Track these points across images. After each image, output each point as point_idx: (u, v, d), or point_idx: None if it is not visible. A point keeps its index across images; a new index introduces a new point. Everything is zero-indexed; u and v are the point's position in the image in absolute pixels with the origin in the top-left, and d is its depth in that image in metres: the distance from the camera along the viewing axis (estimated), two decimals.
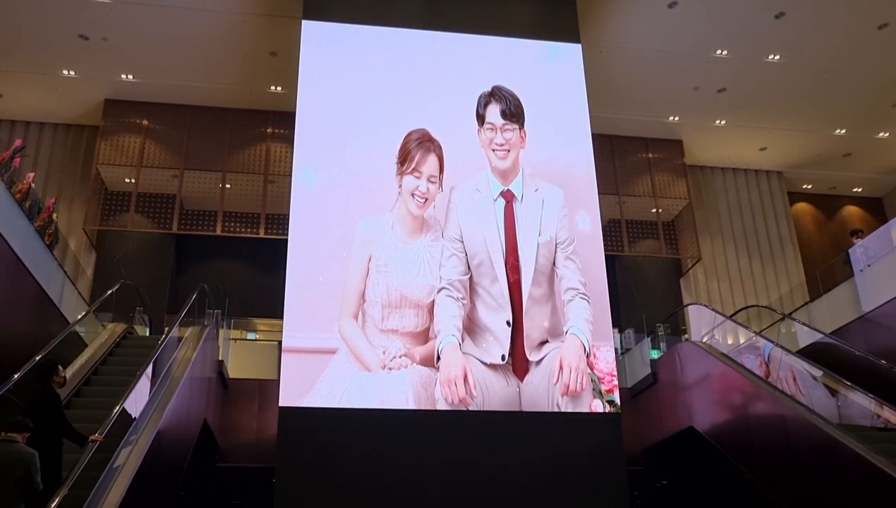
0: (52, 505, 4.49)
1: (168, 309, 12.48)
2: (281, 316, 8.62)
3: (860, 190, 16.53)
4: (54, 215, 9.71)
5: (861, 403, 7.48)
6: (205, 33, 11.63)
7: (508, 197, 8.48)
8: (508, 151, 8.37)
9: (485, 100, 8.54)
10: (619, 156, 14.41)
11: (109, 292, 9.86)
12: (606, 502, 8.28)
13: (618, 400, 8.71)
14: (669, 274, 14.77)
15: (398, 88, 9.73)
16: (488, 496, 8.06)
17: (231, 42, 11.84)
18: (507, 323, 8.03)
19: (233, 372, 10.64)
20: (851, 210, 16.61)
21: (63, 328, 8.43)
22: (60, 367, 5.74)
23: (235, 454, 10.10)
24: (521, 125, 8.47)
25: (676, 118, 14.00)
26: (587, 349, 8.04)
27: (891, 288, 8.99)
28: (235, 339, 11.87)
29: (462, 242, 8.19)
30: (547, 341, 8.14)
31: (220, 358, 10.21)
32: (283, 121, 13.21)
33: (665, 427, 10.40)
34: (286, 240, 8.93)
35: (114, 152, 13.02)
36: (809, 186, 16.33)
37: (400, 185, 8.31)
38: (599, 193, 9.99)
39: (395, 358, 8.01)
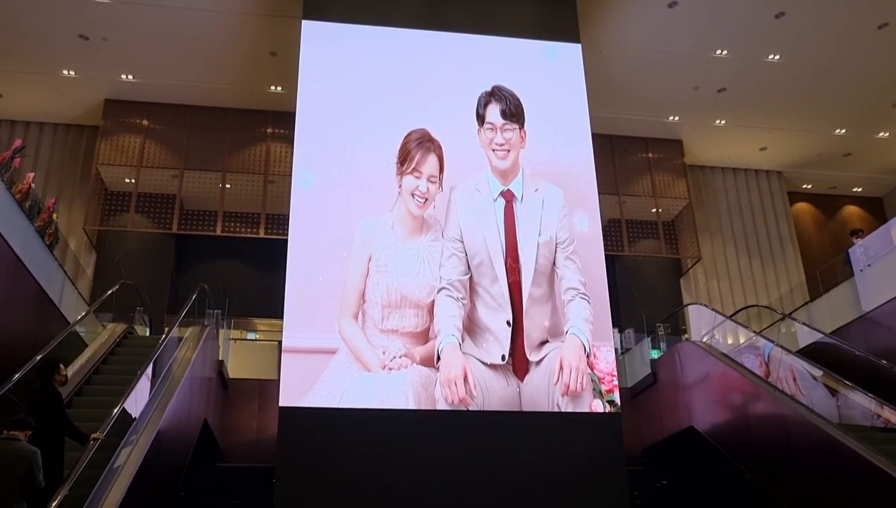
0: (54, 504, 4.51)
1: (168, 309, 12.48)
2: (281, 316, 8.62)
3: (860, 190, 16.53)
4: (54, 215, 9.71)
5: (861, 403, 7.48)
6: (205, 33, 11.63)
7: (508, 197, 8.48)
8: (508, 151, 8.37)
9: (485, 100, 8.54)
10: (619, 156, 14.41)
11: (109, 292, 9.86)
12: (606, 502, 8.28)
13: (618, 400, 8.71)
14: (669, 274, 14.77)
15: (398, 88, 9.73)
16: (488, 496, 8.06)
17: (231, 42, 11.84)
18: (507, 323, 8.03)
19: (233, 372, 10.64)
20: (851, 210, 16.61)
21: (63, 328, 8.42)
22: (62, 366, 5.75)
23: (235, 454, 10.10)
24: (521, 125, 8.48)
25: (676, 118, 14.00)
26: (587, 349, 8.04)
27: (891, 288, 8.99)
28: (235, 339, 11.87)
29: (462, 242, 8.20)
30: (547, 341, 8.14)
31: (220, 358, 10.21)
32: (283, 121, 13.21)
33: (665, 427, 10.40)
34: (286, 240, 8.94)
35: (114, 152, 13.02)
36: (809, 186, 16.33)
37: (400, 185, 8.31)
38: (599, 193, 9.99)
39: (395, 358, 8.01)
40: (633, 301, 14.04)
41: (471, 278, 8.21)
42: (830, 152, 15.04)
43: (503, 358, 7.96)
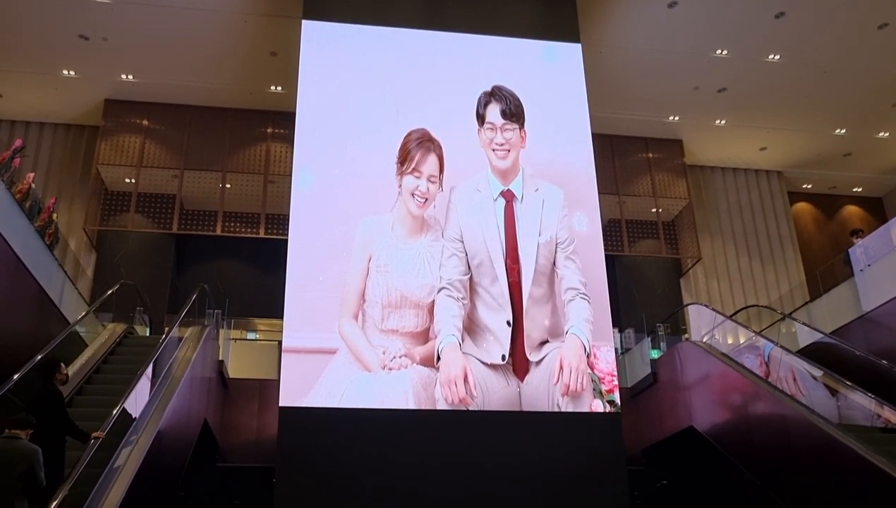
0: (55, 502, 4.52)
1: (168, 309, 12.48)
2: (281, 316, 8.63)
3: (860, 189, 16.53)
4: (54, 215, 9.70)
5: (861, 403, 7.48)
6: (205, 33, 11.63)
7: (508, 197, 8.48)
8: (508, 151, 8.37)
9: (485, 100, 8.54)
10: (619, 155, 14.41)
11: (109, 292, 9.86)
12: (606, 502, 8.28)
13: (618, 400, 8.71)
14: (669, 274, 14.77)
15: (398, 88, 9.73)
16: (488, 496, 8.06)
17: (231, 42, 11.84)
18: (508, 323, 8.03)
19: (233, 371, 10.64)
20: (851, 210, 16.61)
21: (63, 328, 8.42)
22: (63, 365, 5.77)
23: (235, 454, 10.10)
24: (522, 125, 8.48)
25: (676, 118, 14.00)
26: (587, 349, 8.04)
27: (891, 288, 8.99)
28: (235, 339, 11.87)
29: (462, 242, 8.20)
30: (547, 341, 8.14)
31: (220, 358, 10.21)
32: (283, 121, 13.21)
33: (665, 427, 10.40)
34: (286, 240, 8.94)
35: (114, 152, 13.02)
36: (809, 186, 16.33)
37: (400, 185, 8.31)
38: (599, 193, 9.99)
39: (395, 358, 8.01)
40: (633, 301, 14.04)
41: (471, 278, 8.21)
42: (830, 152, 15.04)
43: (503, 358, 7.96)
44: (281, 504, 7.76)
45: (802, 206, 16.46)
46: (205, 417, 8.90)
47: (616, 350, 10.73)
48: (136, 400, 6.63)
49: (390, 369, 8.01)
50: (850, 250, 10.07)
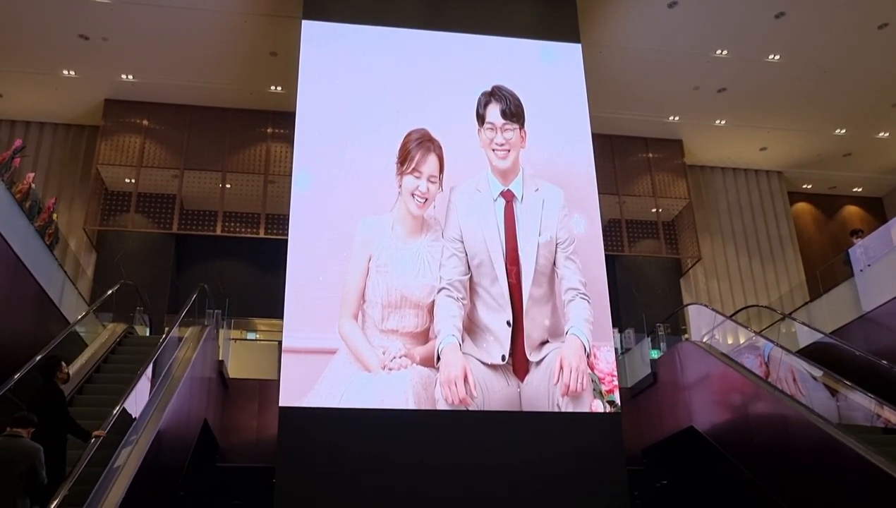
0: (56, 500, 4.55)
1: (168, 309, 12.48)
2: (281, 316, 8.63)
3: (860, 190, 16.53)
4: (54, 215, 9.71)
5: (861, 403, 7.48)
6: (205, 33, 11.63)
7: (508, 197, 8.48)
8: (508, 151, 8.37)
9: (485, 100, 8.54)
10: (619, 155, 14.41)
11: (109, 292, 9.86)
12: (606, 502, 8.29)
13: (618, 401, 8.71)
14: (669, 274, 14.77)
15: (398, 88, 9.73)
16: (488, 496, 8.06)
17: (231, 42, 11.84)
18: (508, 323, 8.03)
19: (233, 372, 10.64)
20: (851, 210, 16.61)
21: (63, 328, 8.42)
22: (64, 364, 5.78)
23: (235, 454, 10.11)
24: (522, 125, 8.47)
25: (676, 118, 14.00)
26: (587, 349, 8.04)
27: (891, 288, 8.99)
28: (235, 339, 11.87)
29: (462, 242, 8.19)
30: (547, 341, 8.14)
31: (220, 358, 10.21)
32: (283, 121, 13.21)
33: (665, 427, 10.40)
34: (286, 240, 8.94)
35: (114, 152, 13.03)
36: (809, 186, 16.33)
37: (400, 185, 8.31)
38: (599, 193, 9.99)
39: (395, 358, 8.01)
40: (633, 301, 14.04)
41: (471, 278, 8.21)
42: (830, 152, 15.04)
43: (503, 358, 7.96)
44: (281, 504, 7.76)
45: (802, 206, 16.46)
46: (205, 417, 8.90)
47: (616, 350, 10.73)
48: (136, 400, 6.63)
49: (390, 369, 8.01)
50: (850, 250, 10.07)
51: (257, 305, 13.02)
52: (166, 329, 9.10)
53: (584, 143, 10.00)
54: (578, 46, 10.69)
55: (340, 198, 9.05)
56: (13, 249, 7.66)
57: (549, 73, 10.37)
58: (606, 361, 8.76)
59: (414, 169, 8.20)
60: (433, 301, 8.11)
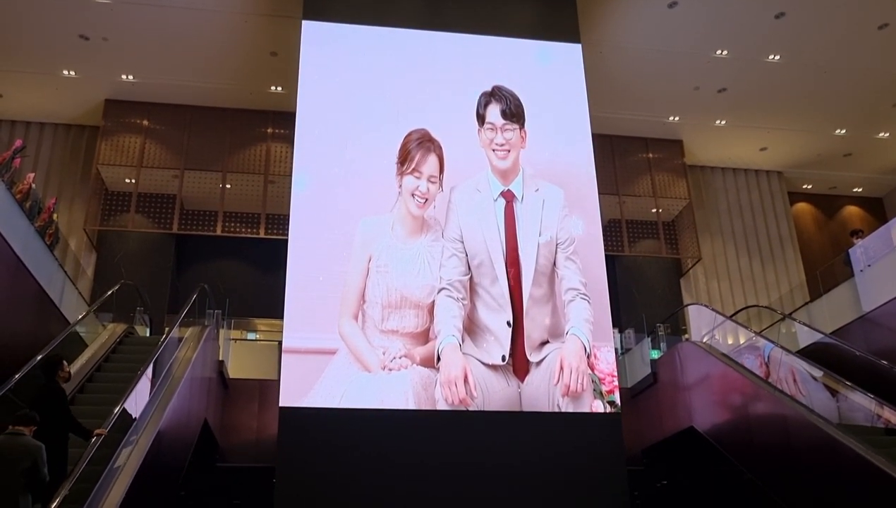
0: (58, 498, 4.57)
1: (168, 309, 12.48)
2: (281, 316, 8.62)
3: (860, 190, 16.53)
4: (55, 215, 9.71)
5: (861, 403, 7.48)
6: (205, 33, 11.64)
7: (509, 197, 8.48)
8: (509, 151, 8.36)
9: (485, 100, 8.53)
10: (619, 156, 14.41)
11: (110, 292, 9.87)
12: (606, 502, 8.29)
13: (618, 401, 8.71)
14: (669, 274, 14.77)
15: (398, 88, 9.73)
16: (488, 496, 8.06)
17: (231, 42, 11.85)
18: (508, 323, 8.03)
19: (233, 372, 10.65)
20: (851, 210, 16.61)
21: (63, 328, 8.43)
22: (65, 362, 5.81)
23: (235, 454, 10.11)
24: (522, 125, 8.47)
25: (676, 118, 14.00)
26: (588, 349, 8.03)
27: (891, 288, 8.99)
28: (236, 339, 11.87)
29: (462, 242, 8.19)
30: (547, 341, 8.14)
31: (220, 358, 10.22)
32: (283, 121, 13.21)
33: (665, 427, 10.41)
34: (286, 240, 8.94)
35: (114, 152, 13.03)
36: (809, 186, 16.33)
37: (400, 185, 8.31)
38: (599, 193, 9.98)
39: (395, 358, 8.00)
40: (633, 301, 14.04)
41: (471, 278, 8.20)
42: (830, 152, 15.04)
43: (503, 358, 7.96)
44: (281, 504, 7.76)
45: (802, 206, 16.46)
46: (205, 417, 8.90)
47: (616, 350, 10.73)
48: (136, 401, 6.64)
49: (390, 369, 8.00)
50: (850, 250, 10.07)
51: (257, 305, 13.03)
52: (166, 329, 9.10)
53: (584, 143, 10.00)
54: (578, 46, 10.69)
55: (340, 198, 9.05)
56: (13, 249, 7.67)
57: (550, 73, 10.37)
58: (607, 361, 8.76)
59: (414, 169, 8.20)
60: (433, 301, 8.10)
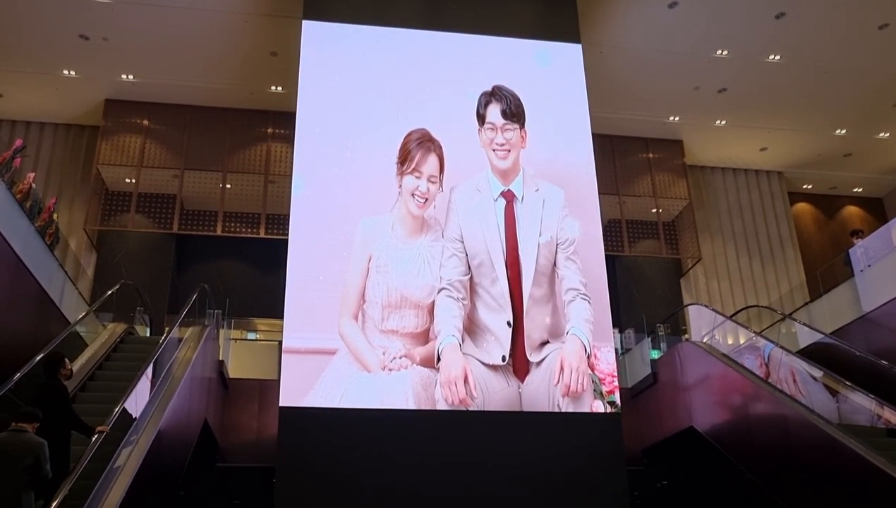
0: (61, 495, 4.60)
1: (168, 309, 12.48)
2: (281, 316, 8.62)
3: (860, 190, 16.53)
4: (55, 215, 9.71)
5: (861, 403, 7.48)
6: (205, 33, 11.64)
7: (509, 197, 8.48)
8: (509, 151, 8.36)
9: (485, 100, 8.53)
10: (619, 156, 14.41)
11: (110, 292, 9.87)
12: (606, 502, 8.29)
13: (618, 401, 8.71)
14: (669, 274, 14.77)
15: (398, 88, 9.73)
16: (488, 496, 8.06)
17: (231, 42, 11.85)
18: (508, 323, 8.03)
19: (233, 372, 10.65)
20: (852, 210, 16.61)
21: (63, 328, 8.43)
22: (67, 360, 5.84)
23: (235, 454, 10.11)
24: (522, 125, 8.47)
25: (677, 118, 14.00)
26: (588, 350, 8.03)
27: (891, 289, 8.99)
28: (236, 339, 11.87)
29: (462, 242, 8.19)
30: (548, 342, 8.13)
31: (220, 358, 10.22)
32: (283, 121, 13.22)
33: (665, 427, 10.41)
34: (286, 240, 8.94)
35: (114, 152, 13.03)
36: (810, 186, 16.33)
37: (400, 185, 8.31)
38: (599, 193, 9.99)
39: (395, 358, 8.00)
40: (633, 301, 14.04)
41: (471, 278, 8.20)
42: (831, 152, 15.04)
43: (503, 358, 7.96)
44: (281, 504, 7.76)
45: (802, 207, 16.46)
46: (205, 417, 8.90)
47: (616, 350, 10.73)
48: (136, 400, 6.64)
49: (390, 370, 8.00)
50: (850, 250, 10.07)
51: (257, 305, 13.03)
52: (166, 329, 9.10)
53: (584, 143, 10.00)
54: (578, 46, 10.69)
55: (340, 198, 9.05)
56: (13, 249, 7.67)
57: (550, 73, 10.37)
58: (607, 362, 8.76)
59: (414, 169, 8.20)
60: (433, 301, 8.10)
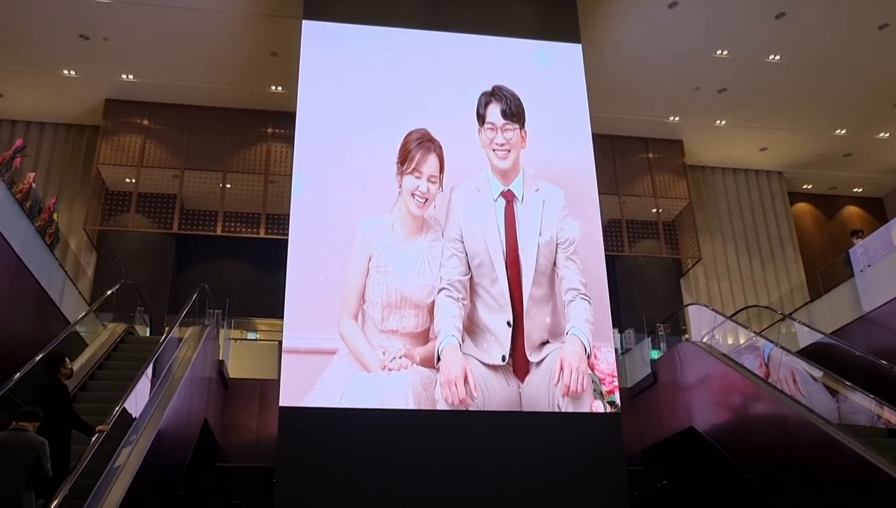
0: (61, 493, 4.62)
1: (168, 308, 12.48)
2: (281, 316, 8.62)
3: (860, 190, 16.53)
4: (55, 215, 9.72)
5: (861, 403, 7.48)
6: (205, 33, 11.64)
7: (509, 197, 8.48)
8: (509, 151, 8.36)
9: (485, 100, 8.52)
10: (619, 156, 14.41)
11: (110, 292, 9.87)
12: (606, 502, 8.29)
13: (618, 401, 8.71)
14: (669, 274, 14.77)
15: (398, 88, 9.73)
16: (488, 496, 8.06)
17: (231, 42, 11.85)
18: (508, 323, 8.02)
19: (233, 371, 10.65)
20: (851, 210, 16.61)
21: (64, 328, 8.43)
22: (67, 359, 5.86)
23: (235, 453, 10.11)
24: (522, 125, 8.47)
25: (677, 118, 14.00)
26: (588, 350, 8.03)
27: (891, 289, 8.99)
28: (236, 339, 11.88)
29: (462, 242, 8.19)
30: (547, 342, 8.13)
31: (220, 358, 10.22)
32: (283, 121, 13.22)
33: (665, 427, 10.41)
34: (286, 240, 8.94)
35: (114, 152, 13.03)
36: (810, 186, 16.33)
37: (400, 185, 8.31)
38: (599, 193, 9.99)
39: (394, 358, 8.00)
40: (633, 301, 14.04)
41: (471, 278, 8.20)
42: (831, 152, 15.04)
43: (503, 358, 7.96)
44: (281, 504, 7.76)
45: (802, 206, 16.46)
46: (205, 417, 8.91)
47: (616, 350, 10.73)
48: (136, 400, 6.64)
49: (390, 369, 8.00)
50: (850, 250, 10.07)
51: (257, 305, 13.03)
52: (166, 329, 9.10)
53: (584, 143, 10.00)
54: (578, 46, 10.69)
55: (340, 198, 9.05)
56: (14, 249, 7.67)
57: (550, 73, 10.37)
58: (607, 362, 8.76)
59: (414, 169, 8.20)
60: (433, 301, 8.10)
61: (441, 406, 7.89)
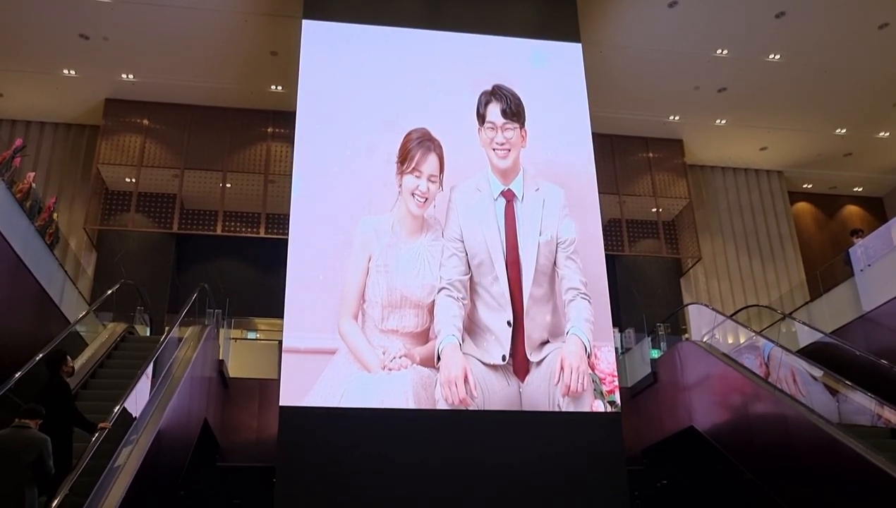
0: (64, 491, 4.64)
1: (168, 308, 12.49)
2: (281, 316, 8.62)
3: (860, 189, 16.53)
4: (55, 215, 9.71)
5: (861, 403, 7.48)
6: (205, 33, 11.64)
7: (509, 196, 8.48)
8: (509, 151, 8.37)
9: (485, 99, 8.53)
10: (619, 155, 14.41)
11: (110, 292, 9.87)
12: (606, 502, 8.28)
13: (618, 401, 8.71)
14: (669, 273, 14.77)
15: (398, 88, 9.73)
16: (488, 495, 8.06)
17: (231, 42, 11.85)
18: (508, 323, 8.03)
19: (233, 371, 10.65)
20: (852, 209, 16.61)
21: (64, 327, 8.43)
22: (69, 357, 5.87)
23: (236, 453, 10.11)
24: (522, 124, 8.47)
25: (677, 118, 14.00)
26: (588, 349, 8.03)
27: (891, 288, 8.99)
28: (236, 339, 11.88)
29: (462, 242, 8.19)
30: (548, 341, 8.13)
31: (220, 358, 10.22)
32: (283, 120, 13.22)
33: (665, 427, 10.41)
34: (286, 240, 8.94)
35: (114, 152, 13.03)
36: (810, 186, 16.33)
37: (400, 185, 8.31)
38: (599, 193, 9.98)
39: (395, 358, 8.00)
40: (633, 301, 14.04)
41: (471, 278, 8.20)
42: (831, 152, 15.04)
43: (504, 358, 7.96)
44: (281, 504, 7.76)
45: (803, 206, 16.46)
46: (205, 417, 8.91)
47: (616, 350, 10.73)
48: (137, 400, 6.64)
49: (390, 369, 8.00)
50: (850, 250, 10.07)
51: (257, 305, 13.03)
52: (167, 328, 9.10)
53: (584, 143, 9.99)
54: (579, 46, 10.68)
55: (340, 198, 9.05)
56: (14, 249, 7.67)
57: (550, 72, 10.37)
58: (607, 361, 8.75)
59: (414, 168, 8.20)
60: (433, 301, 8.10)
61: (441, 405, 7.89)
